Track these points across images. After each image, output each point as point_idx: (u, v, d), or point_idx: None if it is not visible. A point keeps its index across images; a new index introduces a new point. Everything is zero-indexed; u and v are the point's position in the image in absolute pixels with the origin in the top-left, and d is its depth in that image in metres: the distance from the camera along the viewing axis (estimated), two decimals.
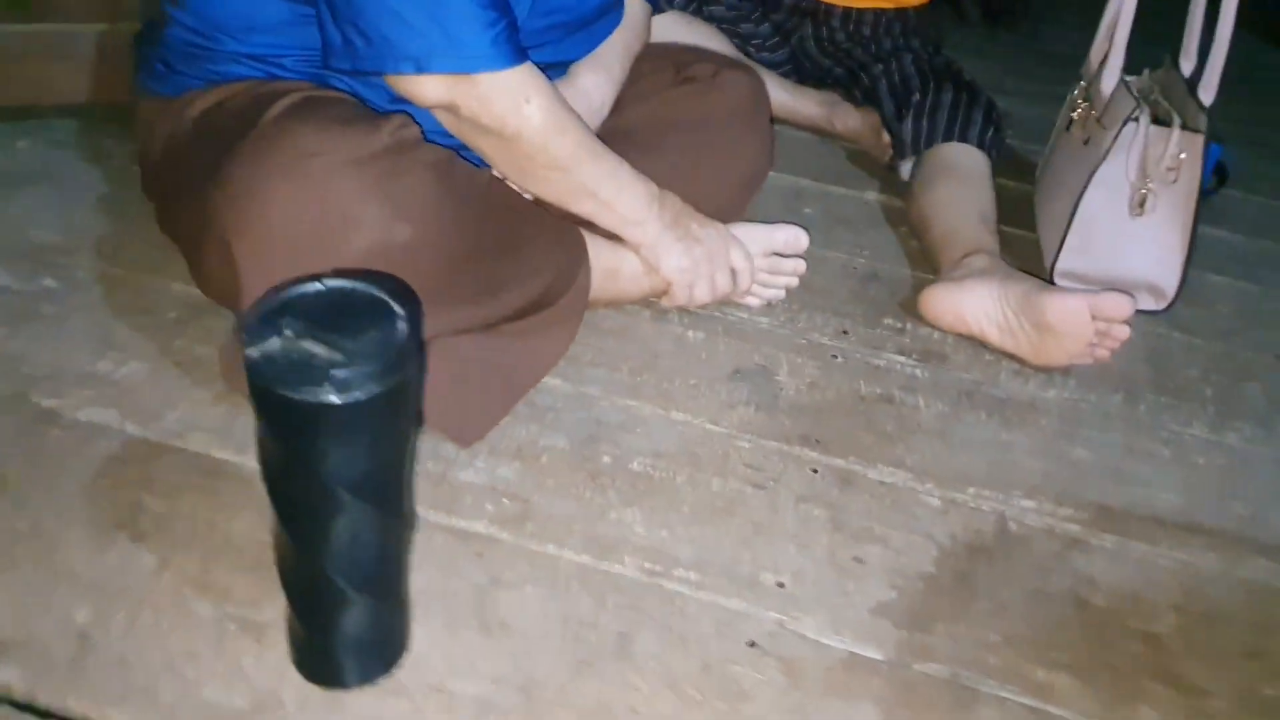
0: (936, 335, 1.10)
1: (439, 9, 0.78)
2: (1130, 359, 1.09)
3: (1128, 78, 1.26)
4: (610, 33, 1.06)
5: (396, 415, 0.57)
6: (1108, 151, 1.18)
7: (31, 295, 0.96)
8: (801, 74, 1.61)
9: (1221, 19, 1.18)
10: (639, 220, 0.95)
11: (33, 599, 0.68)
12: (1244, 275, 1.33)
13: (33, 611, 0.67)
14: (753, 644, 0.72)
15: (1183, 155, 1.15)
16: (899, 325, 1.11)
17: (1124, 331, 1.01)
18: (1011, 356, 1.06)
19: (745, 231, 1.05)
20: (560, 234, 0.95)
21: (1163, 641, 0.77)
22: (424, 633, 0.69)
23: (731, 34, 1.53)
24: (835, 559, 0.79)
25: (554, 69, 0.97)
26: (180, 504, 0.76)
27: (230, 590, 0.70)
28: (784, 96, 1.53)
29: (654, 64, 1.12)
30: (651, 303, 1.05)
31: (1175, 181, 1.16)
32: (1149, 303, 1.19)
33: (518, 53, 0.82)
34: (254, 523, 0.74)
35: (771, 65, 1.57)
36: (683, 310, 1.03)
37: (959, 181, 1.28)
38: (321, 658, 0.65)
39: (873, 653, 0.72)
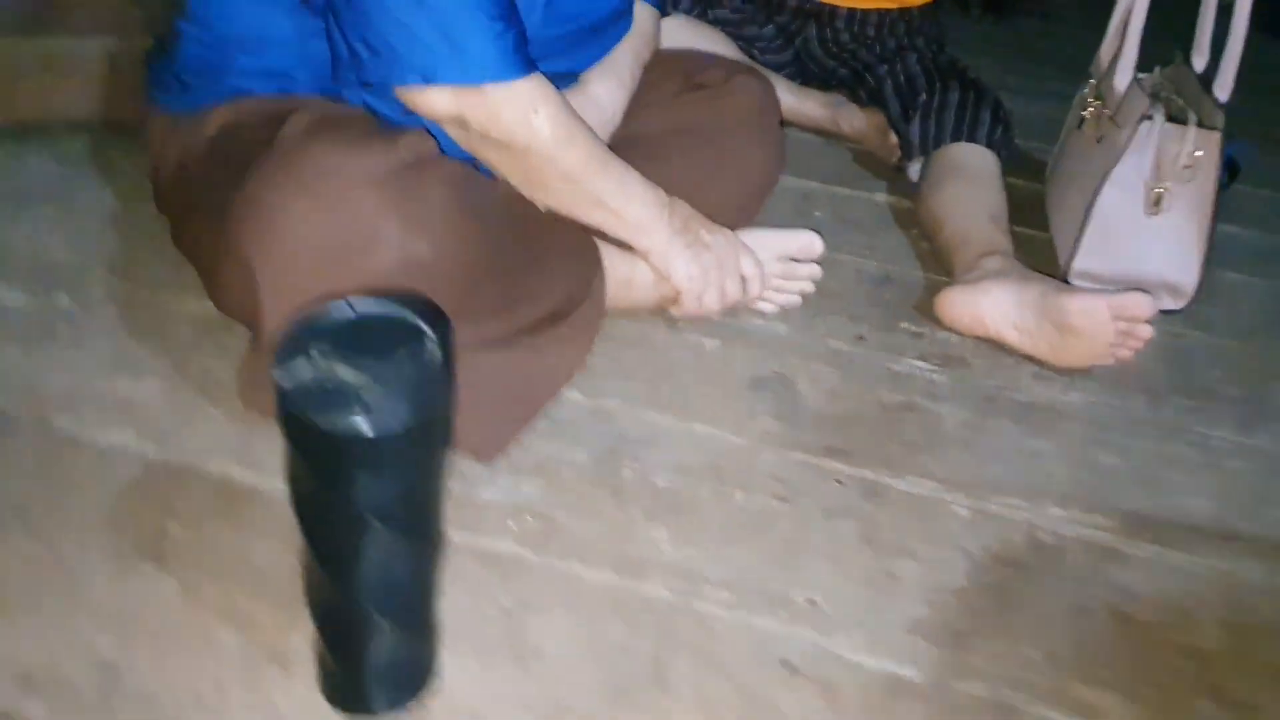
0: (954, 339, 1.09)
1: (445, 19, 0.77)
2: (1151, 360, 1.07)
3: (1140, 75, 1.26)
4: (620, 39, 1.05)
5: (430, 443, 0.56)
6: (1123, 150, 1.17)
7: (46, 315, 0.95)
8: (805, 75, 1.60)
9: (1236, 13, 1.17)
10: (648, 228, 0.94)
11: (56, 631, 0.67)
12: (1261, 272, 1.32)
13: (56, 644, 0.66)
14: (788, 665, 0.70)
15: (1199, 153, 1.15)
16: (916, 329, 1.10)
17: (1147, 331, 1.00)
18: (1031, 359, 1.06)
19: (756, 237, 1.04)
20: (576, 245, 0.95)
21: (1209, 656, 0.75)
22: (453, 659, 0.67)
23: (735, 36, 1.53)
24: (867, 575, 0.78)
25: (565, 77, 0.96)
26: (203, 529, 0.75)
27: (255, 618, 0.69)
28: (789, 99, 1.52)
29: (664, 71, 1.12)
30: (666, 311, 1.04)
31: (1192, 180, 1.15)
32: (1167, 302, 1.18)
33: (526, 63, 0.81)
34: (278, 548, 0.73)
35: (776, 67, 1.56)
36: (695, 320, 1.02)
37: (969, 182, 1.27)
38: (350, 686, 0.64)
39: (911, 672, 0.71)
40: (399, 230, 0.75)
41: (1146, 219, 1.17)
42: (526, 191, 0.91)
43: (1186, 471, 0.95)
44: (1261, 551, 0.86)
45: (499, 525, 0.79)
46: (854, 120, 1.52)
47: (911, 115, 1.37)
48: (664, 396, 0.95)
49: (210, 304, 0.88)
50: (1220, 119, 1.17)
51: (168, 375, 0.89)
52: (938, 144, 1.33)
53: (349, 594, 0.60)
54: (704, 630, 0.72)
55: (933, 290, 1.12)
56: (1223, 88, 1.20)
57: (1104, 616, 0.77)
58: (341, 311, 0.56)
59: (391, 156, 0.76)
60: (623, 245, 0.96)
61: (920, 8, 1.53)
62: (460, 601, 0.71)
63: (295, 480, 0.57)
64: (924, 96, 1.37)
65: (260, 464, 0.80)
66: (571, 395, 0.92)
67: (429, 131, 0.82)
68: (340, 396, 0.51)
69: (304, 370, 0.52)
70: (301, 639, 0.66)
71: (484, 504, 0.80)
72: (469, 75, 0.79)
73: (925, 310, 1.12)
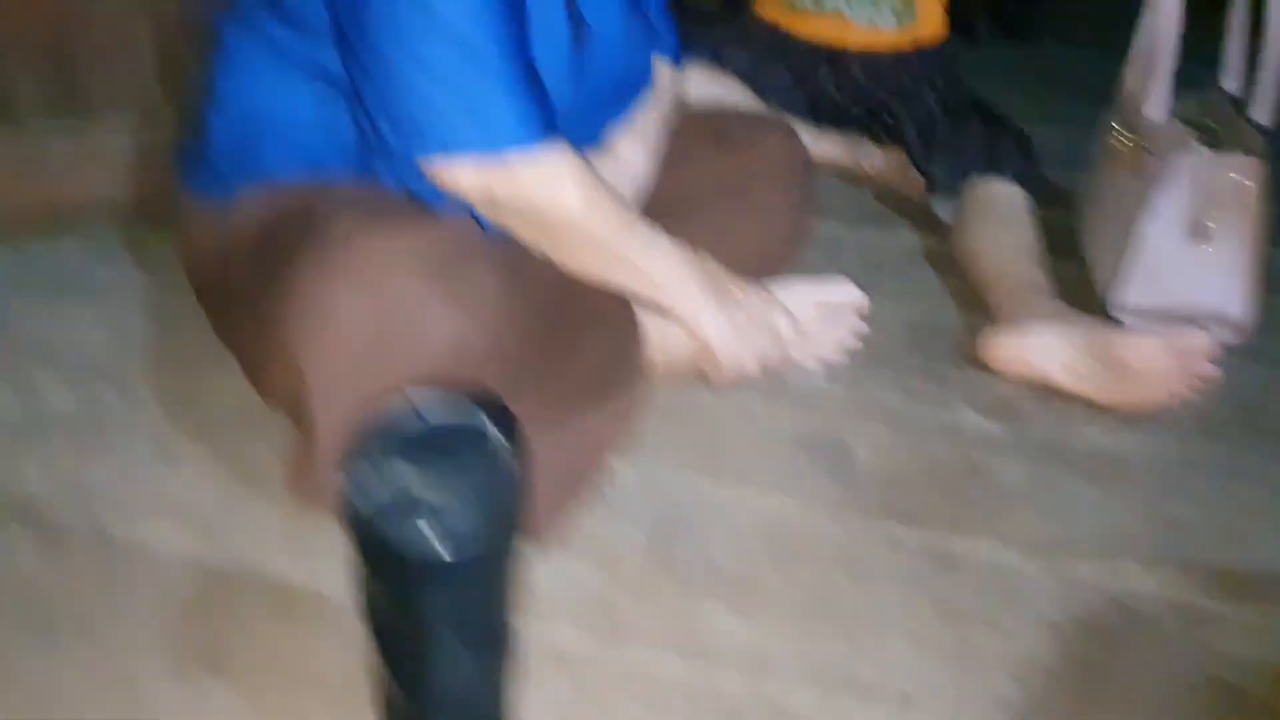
0: (1003, 384, 1.06)
1: (465, 89, 0.76)
2: (1213, 398, 1.03)
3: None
4: (643, 98, 1.04)
5: (504, 553, 0.54)
6: (1161, 181, 1.15)
7: (92, 412, 0.95)
8: (820, 117, 1.58)
9: (1270, 31, 1.14)
10: (677, 289, 0.92)
11: None
12: None
13: None
14: None
15: (1242, 180, 1.12)
16: (962, 377, 1.08)
17: (1210, 370, 0.97)
18: (1085, 402, 1.03)
19: (790, 290, 1.02)
20: (617, 314, 0.93)
21: None
22: None
23: (748, 80, 1.52)
24: (948, 652, 0.75)
25: (591, 139, 0.95)
26: (259, 635, 0.74)
27: None
28: (807, 142, 1.51)
29: (689, 129, 1.10)
30: None
31: (1237, 207, 1.13)
32: (1224, 335, 1.15)
33: (548, 130, 0.80)
34: (335, 653, 0.71)
35: (790, 111, 1.55)
36: (734, 382, 1.00)
37: (1001, 221, 1.25)
38: None
39: None
40: (448, 316, 0.74)
41: (1191, 250, 1.14)
42: (556, 259, 0.90)
43: (1272, 521, 0.90)
44: None
45: (559, 614, 0.76)
46: (874, 159, 1.51)
47: (933, 152, 1.35)
48: (713, 463, 0.92)
49: (250, 391, 0.87)
50: (1260, 143, 1.14)
51: (214, 468, 0.88)
52: (962, 179, 1.31)
53: (422, 707, 0.58)
54: None
55: (974, 333, 1.09)
56: (1261, 109, 1.18)
57: (1204, 688, 0.73)
58: (406, 413, 0.54)
59: (435, 241, 0.75)
60: (655, 309, 0.94)
61: (933, 43, 1.53)
62: (527, 696, 0.69)
63: (366, 593, 0.55)
64: (944, 132, 1.35)
65: (314, 562, 0.78)
66: (619, 467, 0.90)
67: (471, 213, 0.81)
68: (413, 513, 0.49)
69: (373, 483, 0.50)
70: None
71: (542, 590, 0.78)
72: (490, 144, 0.78)
73: (970, 355, 1.10)
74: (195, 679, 0.70)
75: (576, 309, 0.89)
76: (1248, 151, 1.13)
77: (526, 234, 0.86)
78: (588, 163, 0.85)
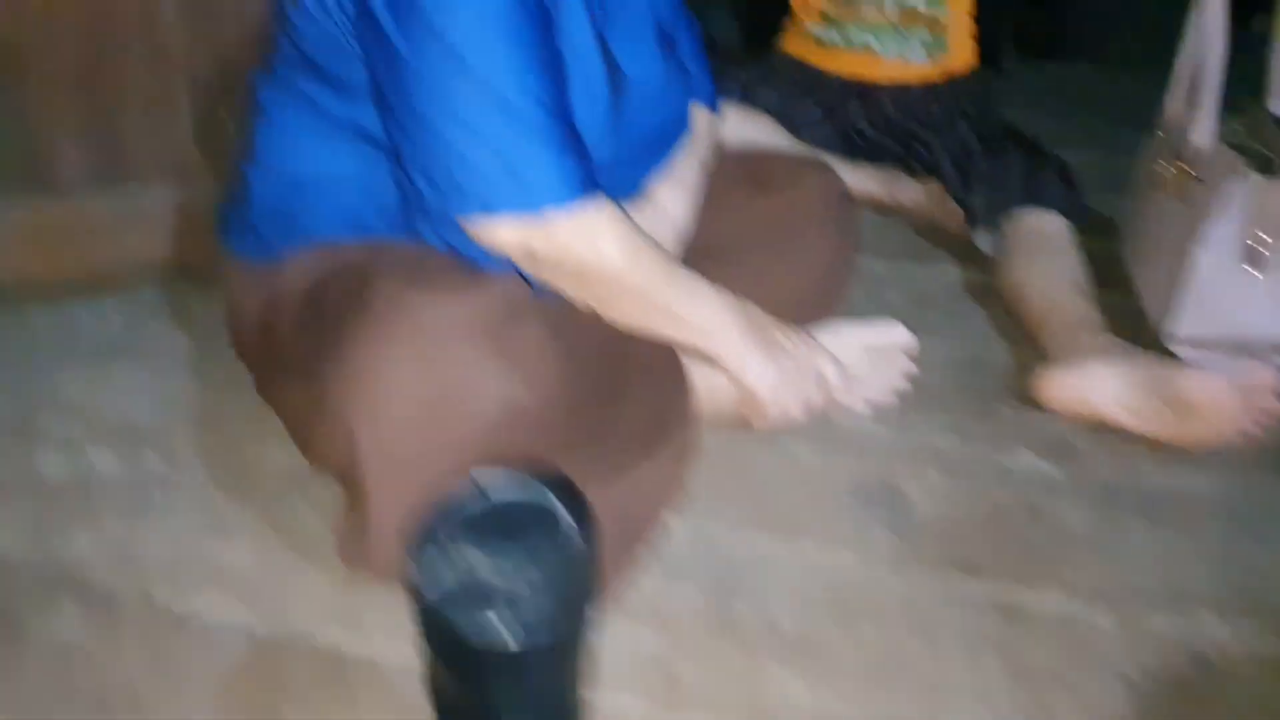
0: (1060, 424, 1.04)
1: (503, 148, 0.76)
2: (1278, 434, 1.01)
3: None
4: (682, 144, 1.04)
5: (576, 642, 0.52)
6: (1212, 209, 1.12)
7: (139, 479, 0.94)
8: (853, 152, 1.57)
9: None
10: (720, 336, 0.91)
11: None
12: None
13: None
14: None
15: None
16: (1016, 416, 1.05)
17: (1276, 405, 0.94)
18: (1145, 441, 1.00)
19: (835, 333, 1.00)
20: (664, 365, 0.92)
21: None
22: None
23: (780, 117, 1.51)
24: (1021, 713, 0.73)
25: (631, 189, 0.95)
26: (312, 704, 0.72)
27: None
28: (843, 177, 1.50)
29: (728, 173, 1.10)
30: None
31: None
32: None
33: (586, 186, 0.80)
34: None
35: (823, 146, 1.54)
36: (780, 429, 0.98)
37: (1046, 254, 1.23)
38: None
39: None
40: (500, 378, 0.73)
41: (1247, 279, 1.11)
42: (600, 312, 0.89)
43: None
44: None
45: (620, 679, 0.74)
46: (911, 193, 1.49)
47: (971, 183, 1.34)
48: (766, 516, 0.90)
49: (295, 453, 0.86)
50: None
51: (262, 535, 0.87)
52: (1003, 210, 1.29)
53: None
54: None
55: (1025, 370, 1.07)
56: None
57: None
58: (473, 495, 0.53)
59: (484, 302, 0.74)
60: (701, 357, 0.93)
61: (964, 73, 1.52)
62: None
63: (433, 678, 0.54)
64: (982, 164, 1.34)
65: (366, 631, 0.77)
66: (672, 524, 0.89)
67: (517, 270, 0.81)
68: (483, 602, 0.47)
69: (442, 569, 0.49)
70: None
71: (601, 655, 0.76)
72: (529, 203, 0.77)
73: (1021, 393, 1.07)
74: None
75: (624, 361, 0.88)
76: None
77: (569, 288, 0.85)
78: (627, 215, 0.84)
